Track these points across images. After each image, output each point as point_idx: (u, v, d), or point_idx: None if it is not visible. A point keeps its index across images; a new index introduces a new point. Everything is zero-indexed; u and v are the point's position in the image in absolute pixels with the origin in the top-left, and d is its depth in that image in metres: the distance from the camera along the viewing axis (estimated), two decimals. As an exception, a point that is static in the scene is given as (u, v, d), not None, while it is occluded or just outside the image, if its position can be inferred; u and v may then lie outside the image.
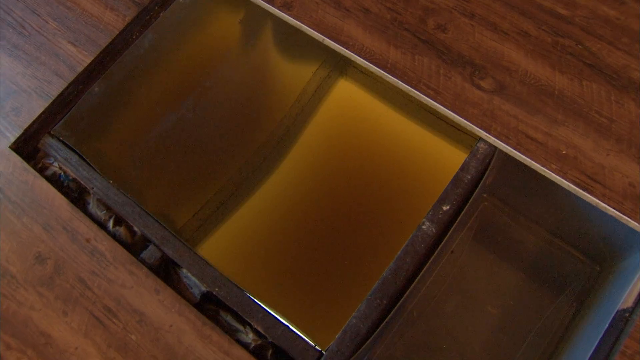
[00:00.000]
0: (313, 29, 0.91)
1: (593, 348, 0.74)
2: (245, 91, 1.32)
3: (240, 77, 1.28)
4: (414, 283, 0.81)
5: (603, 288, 0.89)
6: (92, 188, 0.86)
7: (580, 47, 0.86)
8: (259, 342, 0.77)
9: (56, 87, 0.91)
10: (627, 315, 0.74)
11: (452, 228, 0.87)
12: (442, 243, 0.87)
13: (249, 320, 0.77)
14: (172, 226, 0.85)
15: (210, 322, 0.77)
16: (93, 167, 0.88)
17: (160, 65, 1.06)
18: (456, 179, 0.83)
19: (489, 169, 0.86)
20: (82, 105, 0.93)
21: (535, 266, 0.98)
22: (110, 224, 0.84)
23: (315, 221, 1.30)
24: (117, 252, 0.81)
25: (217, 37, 1.16)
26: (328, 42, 0.90)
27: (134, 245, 0.83)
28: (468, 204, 0.85)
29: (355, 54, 0.88)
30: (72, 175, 0.87)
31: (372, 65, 0.88)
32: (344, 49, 0.89)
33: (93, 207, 0.86)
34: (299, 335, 0.77)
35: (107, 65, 0.95)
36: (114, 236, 0.83)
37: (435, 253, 0.83)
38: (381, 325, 0.80)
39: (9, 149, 0.88)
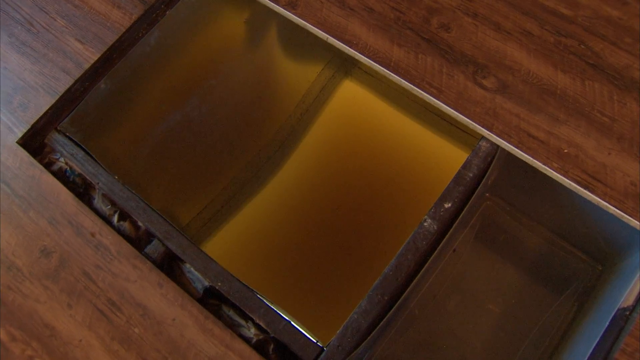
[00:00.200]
0: (317, 28, 0.92)
1: (593, 346, 0.74)
2: (250, 90, 1.33)
3: (245, 76, 1.29)
4: (415, 280, 0.82)
5: (604, 287, 0.89)
6: (98, 183, 0.87)
7: (582, 46, 0.87)
8: (261, 336, 0.78)
9: (63, 84, 0.92)
10: (627, 313, 0.74)
11: (454, 226, 0.88)
12: (444, 241, 0.87)
13: (251, 315, 0.78)
14: (176, 224, 0.85)
15: (213, 317, 0.77)
16: (99, 163, 0.89)
17: (166, 63, 1.07)
18: (458, 177, 0.83)
19: (490, 168, 0.86)
20: (88, 101, 0.94)
21: (537, 265, 0.98)
22: (115, 218, 0.85)
23: (318, 219, 1.31)
24: (121, 247, 0.82)
25: (222, 36, 1.18)
26: (332, 40, 0.91)
27: (138, 240, 0.84)
28: (470, 202, 0.86)
29: (359, 52, 0.89)
30: (78, 170, 0.88)
31: (375, 64, 0.88)
32: (348, 48, 0.90)
33: (98, 202, 0.87)
34: (301, 331, 0.77)
35: (114, 62, 0.96)
36: (118, 231, 0.84)
37: (437, 250, 0.83)
38: (382, 322, 0.81)
39: (16, 144, 0.89)
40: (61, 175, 0.89)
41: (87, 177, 0.88)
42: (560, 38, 0.88)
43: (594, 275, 0.95)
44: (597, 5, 0.89)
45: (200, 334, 0.76)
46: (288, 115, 1.41)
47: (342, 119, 1.44)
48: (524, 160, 0.82)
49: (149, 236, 0.85)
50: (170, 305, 0.78)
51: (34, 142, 0.91)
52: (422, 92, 0.86)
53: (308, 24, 0.92)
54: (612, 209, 0.78)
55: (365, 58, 0.89)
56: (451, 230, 0.85)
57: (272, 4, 0.95)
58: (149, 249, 0.83)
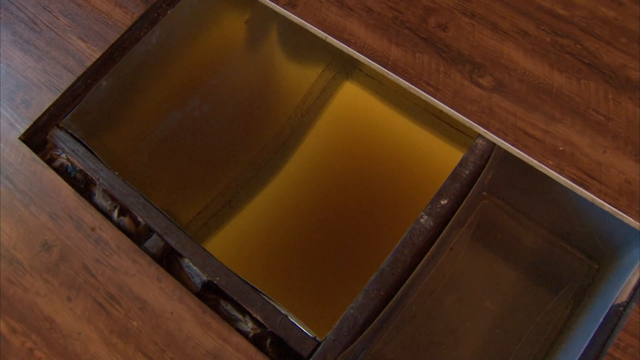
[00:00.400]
0: (316, 27, 0.93)
1: (588, 341, 0.75)
2: (251, 91, 1.34)
3: (246, 76, 1.30)
4: (412, 276, 0.83)
5: (600, 285, 0.90)
6: (98, 179, 0.88)
7: (578, 46, 0.88)
8: (258, 331, 0.79)
9: (65, 81, 0.94)
10: (621, 309, 0.75)
11: (451, 224, 0.88)
12: (442, 239, 0.88)
13: (248, 309, 0.79)
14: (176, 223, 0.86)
15: (210, 310, 0.78)
16: (99, 159, 0.90)
17: (167, 62, 1.08)
18: (454, 174, 0.84)
19: (487, 165, 0.87)
20: (90, 99, 0.95)
21: (534, 264, 0.99)
22: (115, 214, 0.86)
23: (318, 219, 1.32)
24: (121, 241, 0.83)
25: (223, 36, 1.19)
26: (331, 39, 0.92)
27: (138, 235, 0.85)
28: (466, 199, 0.86)
29: (357, 51, 0.90)
30: (79, 166, 0.90)
31: (373, 63, 0.89)
32: (347, 47, 0.91)
33: (99, 197, 0.88)
34: (297, 325, 0.78)
35: (116, 60, 0.97)
36: (118, 226, 0.85)
37: (434, 246, 0.84)
38: (378, 317, 0.81)
39: (18, 140, 0.90)
40: (62, 171, 0.90)
41: (88, 173, 0.89)
42: (556, 38, 0.89)
43: (590, 274, 0.96)
44: (593, 6, 0.90)
45: (198, 327, 0.77)
46: (289, 116, 1.42)
47: (343, 120, 1.45)
48: (520, 158, 0.83)
49: (149, 231, 0.86)
50: (169, 299, 0.79)
51: (36, 139, 0.92)
52: (419, 91, 0.87)
53: (307, 24, 0.93)
54: (606, 206, 0.78)
55: (363, 57, 0.90)
56: (447, 227, 0.86)
57: (272, 3, 0.96)
58: (148, 243, 0.84)
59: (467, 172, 0.84)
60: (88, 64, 0.95)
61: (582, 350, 0.74)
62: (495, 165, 0.93)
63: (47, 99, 0.93)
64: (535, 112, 0.84)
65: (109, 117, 1.03)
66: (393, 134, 1.41)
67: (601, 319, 0.76)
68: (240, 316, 0.80)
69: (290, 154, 1.40)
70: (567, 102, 0.84)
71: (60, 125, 0.93)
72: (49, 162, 0.90)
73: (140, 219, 0.86)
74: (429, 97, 0.86)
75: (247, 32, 1.22)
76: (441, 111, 0.88)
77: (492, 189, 1.02)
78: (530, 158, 0.82)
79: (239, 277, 0.81)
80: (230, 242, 1.31)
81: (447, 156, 1.34)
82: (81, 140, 0.92)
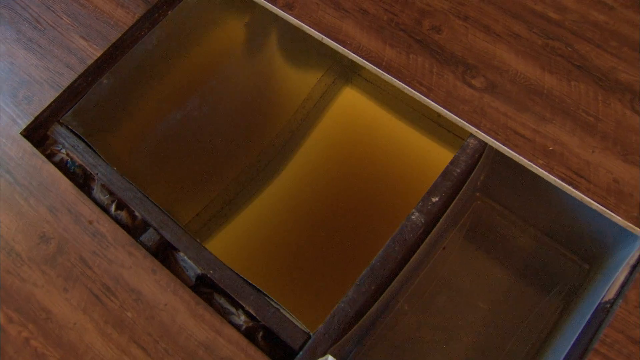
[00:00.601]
0: (313, 28, 0.95)
1: (575, 337, 0.75)
2: (250, 93, 1.36)
3: (246, 79, 1.32)
4: (403, 271, 0.84)
5: (590, 285, 0.91)
6: (97, 174, 0.90)
7: (569, 49, 0.89)
8: (250, 324, 0.80)
9: (67, 79, 0.96)
10: (608, 306, 0.76)
11: (444, 223, 0.90)
12: (434, 237, 0.89)
13: (240, 302, 0.80)
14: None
15: (204, 303, 0.79)
16: (98, 155, 0.92)
17: (167, 62, 1.10)
18: (446, 172, 0.86)
19: (478, 164, 0.88)
20: (91, 96, 0.97)
21: (526, 264, 1.00)
22: (113, 208, 0.88)
23: (315, 221, 1.33)
24: (117, 234, 0.84)
25: (223, 38, 1.21)
26: (326, 40, 0.94)
27: (134, 229, 0.87)
28: (458, 198, 0.88)
29: (352, 52, 0.92)
30: (78, 161, 0.91)
31: (368, 63, 0.91)
32: (342, 47, 0.93)
33: (97, 192, 0.89)
34: (289, 318, 0.79)
35: (116, 59, 0.99)
36: (115, 219, 0.86)
37: (425, 243, 0.85)
38: (369, 312, 0.83)
39: (19, 135, 0.92)
40: (62, 166, 0.92)
41: (87, 168, 0.91)
42: (548, 40, 0.90)
43: (581, 275, 0.97)
44: (584, 10, 0.92)
45: (191, 319, 0.78)
46: (288, 119, 1.44)
47: (342, 125, 1.46)
48: (511, 157, 0.84)
49: (145, 225, 0.87)
50: (163, 291, 0.80)
51: (37, 134, 0.94)
52: (412, 91, 0.88)
53: (304, 25, 0.95)
54: (595, 205, 0.80)
55: (358, 57, 0.92)
56: (439, 224, 0.87)
57: (270, 5, 0.98)
58: (144, 237, 0.85)
59: (459, 170, 0.86)
60: (89, 62, 0.97)
61: (569, 346, 0.75)
62: (487, 166, 0.95)
63: (48, 96, 0.95)
64: (526, 112, 0.86)
65: (109, 116, 1.05)
66: (391, 139, 1.43)
67: (589, 316, 0.77)
68: (233, 309, 0.81)
69: (289, 156, 1.42)
70: (557, 103, 0.86)
71: (60, 121, 0.95)
72: (49, 157, 0.92)
73: (137, 213, 0.87)
74: (422, 97, 0.88)
75: (247, 35, 1.24)
76: (439, 116, 0.89)
77: (485, 190, 1.03)
78: (520, 157, 0.83)
79: (232, 270, 0.82)
80: (230, 242, 1.32)
81: (444, 160, 1.36)
82: (81, 136, 0.94)
